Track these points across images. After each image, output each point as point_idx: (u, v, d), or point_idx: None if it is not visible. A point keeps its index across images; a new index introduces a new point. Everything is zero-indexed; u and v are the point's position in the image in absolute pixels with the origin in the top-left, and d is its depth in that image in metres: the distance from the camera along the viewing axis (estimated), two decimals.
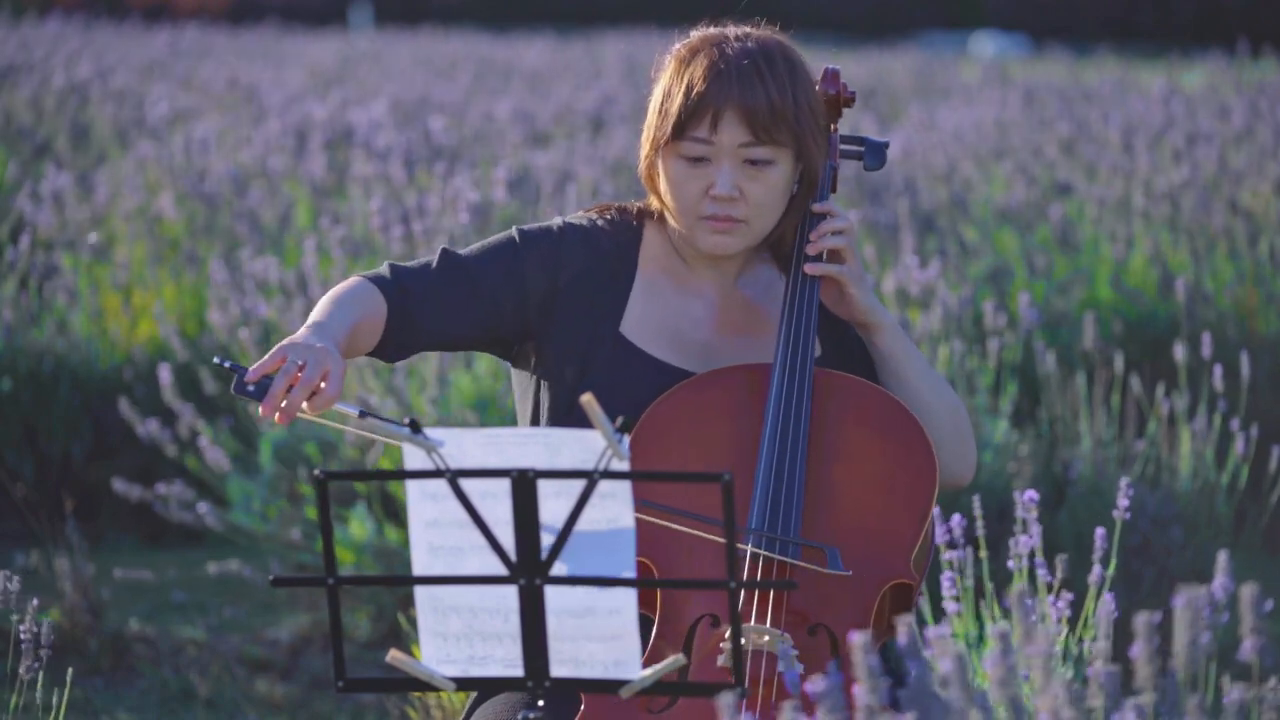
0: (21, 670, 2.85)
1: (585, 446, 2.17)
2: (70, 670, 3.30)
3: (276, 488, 5.29)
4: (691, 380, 2.84)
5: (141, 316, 6.33)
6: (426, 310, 2.85)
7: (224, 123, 8.91)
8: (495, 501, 2.19)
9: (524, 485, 2.17)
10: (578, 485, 2.17)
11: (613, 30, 20.20)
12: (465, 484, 2.19)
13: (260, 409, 2.59)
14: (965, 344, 5.52)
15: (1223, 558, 2.10)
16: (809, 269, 2.87)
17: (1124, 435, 5.32)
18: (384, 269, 2.87)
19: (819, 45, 19.84)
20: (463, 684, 2.25)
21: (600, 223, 2.96)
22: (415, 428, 2.17)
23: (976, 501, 3.36)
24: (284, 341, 2.64)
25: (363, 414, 2.52)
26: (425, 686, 2.26)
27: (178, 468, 5.66)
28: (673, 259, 2.96)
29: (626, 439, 2.16)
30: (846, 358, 2.95)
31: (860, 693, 1.97)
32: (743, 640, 2.61)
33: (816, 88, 2.95)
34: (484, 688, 2.28)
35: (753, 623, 2.66)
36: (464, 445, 2.19)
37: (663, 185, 2.88)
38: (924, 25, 27.59)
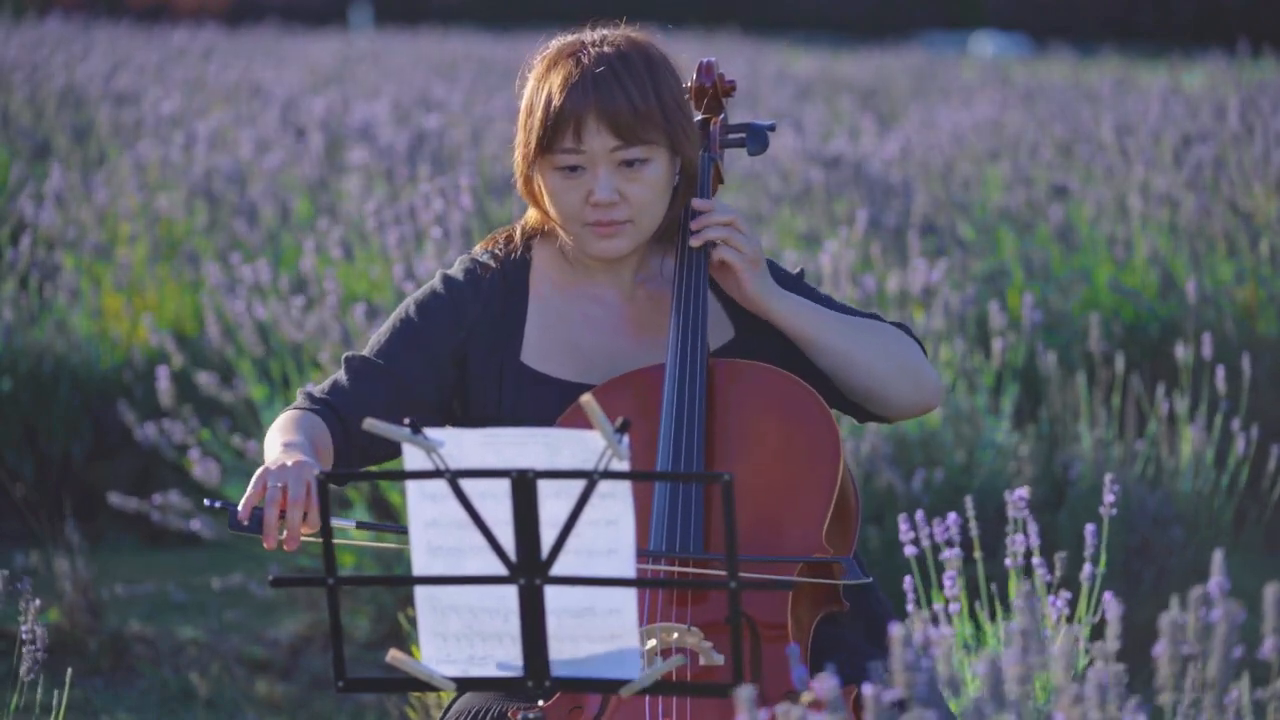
0: (22, 670, 2.85)
1: (585, 446, 2.16)
2: (70, 670, 3.30)
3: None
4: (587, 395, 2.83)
5: (142, 317, 6.33)
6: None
7: (224, 122, 8.91)
8: (495, 501, 2.19)
9: (524, 485, 2.17)
10: (577, 485, 2.17)
11: None
12: (465, 484, 2.19)
13: (265, 543, 2.58)
14: (967, 344, 5.51)
15: (1218, 556, 2.10)
16: (693, 241, 2.86)
17: (1124, 435, 5.32)
18: (303, 399, 2.86)
19: (819, 45, 19.84)
20: (463, 684, 2.25)
21: (484, 258, 2.95)
22: (415, 428, 2.17)
23: (969, 502, 3.36)
24: (260, 470, 2.62)
25: (359, 525, 2.57)
26: (425, 686, 2.26)
27: (177, 470, 5.66)
28: (566, 271, 2.95)
29: (626, 439, 2.16)
30: (762, 334, 2.93)
31: (895, 689, 1.96)
32: (653, 641, 2.62)
33: (687, 82, 2.96)
34: (484, 687, 2.28)
35: (659, 622, 2.65)
36: (464, 445, 2.19)
37: (544, 198, 2.87)
38: (924, 25, 27.59)
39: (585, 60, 2.82)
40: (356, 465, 2.85)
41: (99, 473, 5.99)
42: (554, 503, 2.18)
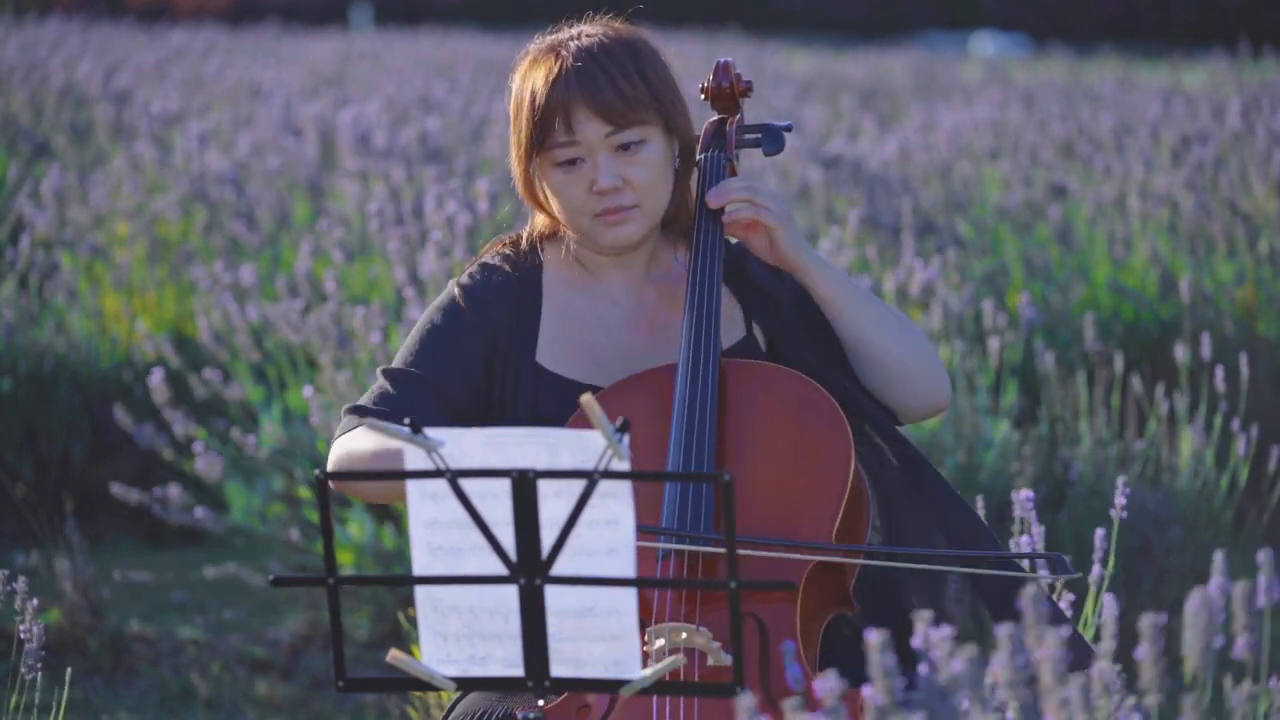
0: (22, 670, 2.85)
1: (585, 446, 2.16)
2: (70, 670, 3.30)
3: (273, 489, 5.29)
4: (598, 395, 2.81)
5: (137, 321, 6.33)
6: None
7: (223, 122, 8.91)
8: (495, 501, 2.19)
9: (524, 485, 2.17)
10: (578, 485, 2.17)
11: None
12: (465, 484, 2.19)
13: None
14: (966, 344, 5.51)
15: (1219, 558, 2.09)
16: (711, 200, 2.86)
17: (1124, 435, 5.32)
18: (354, 417, 2.82)
19: (819, 45, 19.84)
20: (463, 684, 2.25)
21: (496, 261, 2.95)
22: (415, 428, 2.17)
23: (980, 502, 3.36)
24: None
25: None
26: (425, 686, 2.26)
27: (176, 470, 5.66)
28: (575, 271, 2.96)
29: (626, 439, 2.16)
30: (786, 334, 2.93)
31: (873, 693, 1.96)
32: (661, 641, 2.61)
33: (702, 82, 2.99)
34: (484, 687, 2.28)
35: (667, 621, 2.64)
36: (464, 445, 2.19)
37: (547, 199, 2.88)
38: (924, 25, 27.60)
39: (565, 54, 2.83)
40: None
41: (99, 473, 5.98)
42: (554, 502, 2.18)
